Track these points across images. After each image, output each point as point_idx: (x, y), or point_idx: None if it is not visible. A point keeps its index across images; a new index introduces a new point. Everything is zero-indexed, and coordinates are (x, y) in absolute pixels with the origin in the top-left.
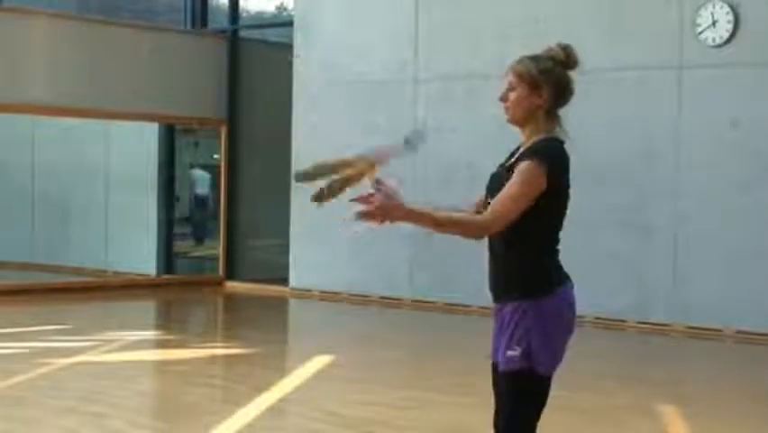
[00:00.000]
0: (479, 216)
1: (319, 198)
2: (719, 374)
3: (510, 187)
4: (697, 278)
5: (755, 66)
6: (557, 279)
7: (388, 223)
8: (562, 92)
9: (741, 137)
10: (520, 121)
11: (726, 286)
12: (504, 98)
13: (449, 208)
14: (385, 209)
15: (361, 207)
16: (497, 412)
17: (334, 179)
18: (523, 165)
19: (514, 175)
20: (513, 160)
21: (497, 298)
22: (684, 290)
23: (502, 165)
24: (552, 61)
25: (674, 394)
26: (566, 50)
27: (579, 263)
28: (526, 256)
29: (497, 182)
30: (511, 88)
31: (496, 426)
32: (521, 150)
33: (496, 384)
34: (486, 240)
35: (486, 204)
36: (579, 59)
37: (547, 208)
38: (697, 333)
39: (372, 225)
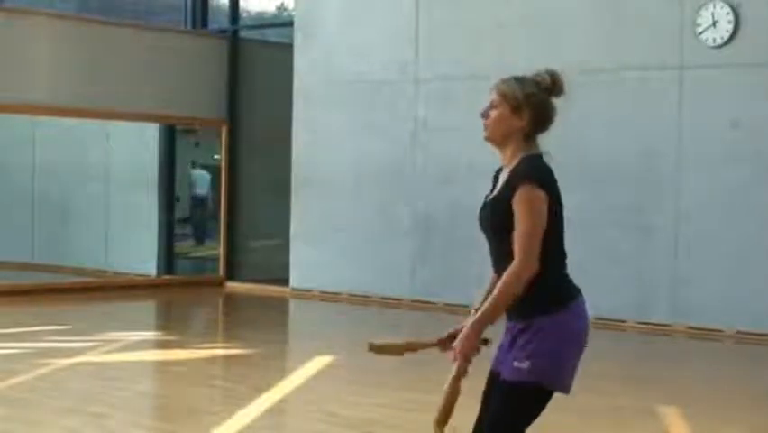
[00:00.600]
0: (511, 267)
1: (379, 349)
2: (720, 374)
3: (521, 220)
4: (697, 278)
5: (756, 66)
6: (568, 294)
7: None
8: (543, 118)
9: (741, 137)
10: (497, 140)
11: (726, 286)
12: (485, 115)
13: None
14: (463, 350)
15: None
16: (479, 419)
17: (399, 345)
18: (521, 193)
19: (516, 207)
20: (500, 188)
21: (509, 316)
22: (685, 290)
23: (489, 195)
24: (537, 87)
25: (675, 394)
26: (553, 76)
27: (579, 263)
28: (537, 273)
29: (488, 214)
30: (493, 106)
31: (477, 429)
32: (505, 175)
33: (487, 391)
34: (491, 262)
35: (495, 251)
36: (564, 87)
37: (548, 224)
38: (697, 333)
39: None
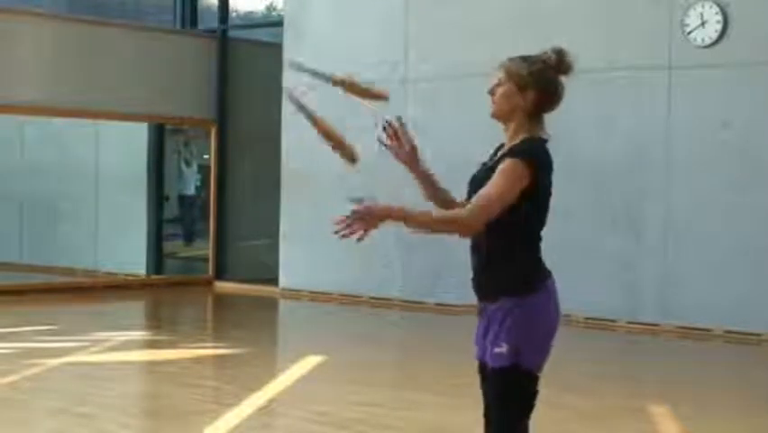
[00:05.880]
0: (460, 211)
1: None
2: (709, 374)
3: (492, 183)
4: (687, 278)
5: (745, 66)
6: (541, 275)
7: (371, 228)
8: (550, 97)
9: (731, 137)
10: (503, 116)
11: (715, 286)
12: (492, 92)
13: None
14: (365, 215)
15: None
16: (486, 411)
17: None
18: (505, 163)
19: (496, 172)
20: (496, 159)
21: (482, 297)
22: (674, 289)
23: (484, 164)
24: (543, 64)
25: (665, 394)
26: (559, 54)
27: (569, 263)
28: (511, 254)
29: (478, 182)
30: (499, 84)
31: (486, 425)
32: (504, 149)
33: (484, 384)
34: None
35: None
36: (572, 64)
37: (530, 206)
38: (687, 333)
39: (359, 233)
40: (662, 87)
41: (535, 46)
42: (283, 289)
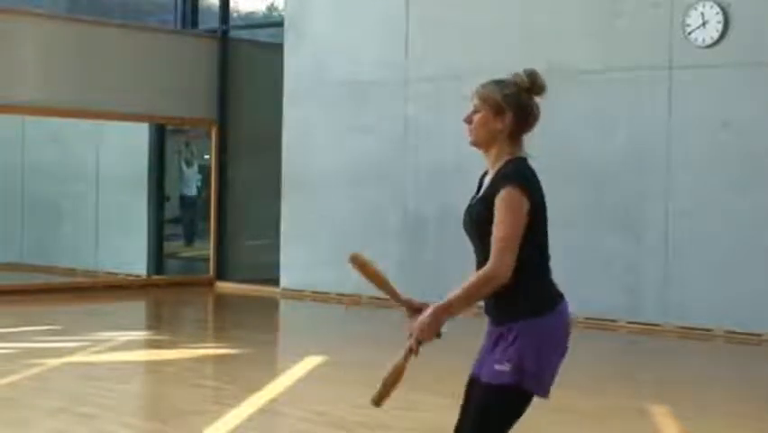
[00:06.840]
0: (486, 269)
1: (377, 400)
2: (710, 374)
3: (499, 221)
4: (687, 278)
5: (746, 66)
6: (551, 298)
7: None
8: (525, 118)
9: (732, 138)
10: (482, 144)
11: (716, 286)
12: (468, 120)
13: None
14: (422, 334)
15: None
16: (459, 424)
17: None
18: (502, 195)
19: (497, 208)
20: (485, 190)
21: (493, 320)
22: (675, 290)
23: (474, 198)
24: (516, 87)
25: (665, 394)
26: (531, 76)
27: (570, 264)
28: (519, 278)
29: (473, 216)
30: (475, 111)
31: None
32: (490, 177)
33: (467, 396)
34: (474, 264)
35: (480, 252)
36: (545, 86)
37: (530, 228)
38: (687, 333)
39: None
40: (662, 87)
41: (536, 46)
42: (284, 289)
